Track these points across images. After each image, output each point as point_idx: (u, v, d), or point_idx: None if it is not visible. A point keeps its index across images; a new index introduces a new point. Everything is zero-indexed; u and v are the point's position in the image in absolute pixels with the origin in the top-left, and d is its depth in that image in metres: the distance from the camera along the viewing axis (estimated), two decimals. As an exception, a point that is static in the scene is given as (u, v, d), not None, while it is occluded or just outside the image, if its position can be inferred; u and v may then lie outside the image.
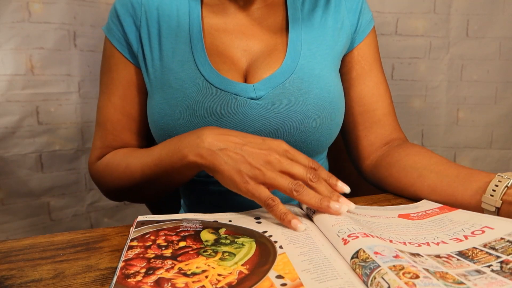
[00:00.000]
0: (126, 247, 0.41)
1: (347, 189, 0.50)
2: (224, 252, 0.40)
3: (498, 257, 0.37)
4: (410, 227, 0.45)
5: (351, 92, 0.70)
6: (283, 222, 0.45)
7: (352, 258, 0.36)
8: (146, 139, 0.69)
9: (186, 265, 0.38)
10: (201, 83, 0.60)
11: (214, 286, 0.34)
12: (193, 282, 0.35)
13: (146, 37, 0.63)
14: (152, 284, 0.35)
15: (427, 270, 0.33)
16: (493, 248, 0.38)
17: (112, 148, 0.67)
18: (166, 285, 0.34)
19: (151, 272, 0.36)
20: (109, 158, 0.66)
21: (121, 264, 0.38)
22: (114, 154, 0.66)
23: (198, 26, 0.63)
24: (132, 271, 0.37)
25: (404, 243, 0.40)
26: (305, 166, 0.49)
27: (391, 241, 0.40)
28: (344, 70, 0.70)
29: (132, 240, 0.43)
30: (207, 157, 0.50)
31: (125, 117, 0.67)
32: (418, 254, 0.37)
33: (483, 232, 0.42)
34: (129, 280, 0.35)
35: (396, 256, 0.34)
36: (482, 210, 0.47)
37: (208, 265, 0.38)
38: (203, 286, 0.34)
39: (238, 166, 0.48)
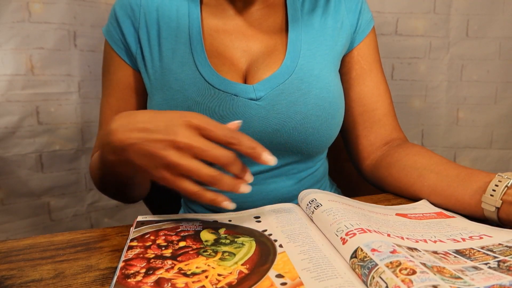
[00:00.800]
0: (126, 247, 0.41)
1: (272, 161, 0.46)
2: (224, 252, 0.40)
3: (495, 257, 0.37)
4: (407, 225, 0.45)
5: (351, 92, 0.70)
6: (216, 205, 0.44)
7: (351, 258, 0.36)
8: None
9: (186, 265, 0.38)
10: (201, 84, 0.60)
11: (214, 286, 0.34)
12: (193, 282, 0.35)
13: (145, 38, 0.63)
14: (152, 284, 0.35)
15: (424, 264, 0.33)
16: (490, 251, 0.38)
17: None
18: (166, 285, 0.35)
19: (151, 272, 0.36)
20: (92, 159, 0.67)
21: (121, 264, 0.38)
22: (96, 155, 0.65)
23: (198, 27, 0.63)
24: (132, 271, 0.37)
25: (402, 238, 0.40)
26: (222, 140, 0.45)
27: (389, 235, 0.40)
28: (344, 70, 0.70)
29: (132, 240, 0.43)
30: (121, 154, 0.46)
31: None
32: (416, 249, 0.37)
33: (481, 238, 0.42)
34: (129, 280, 0.35)
35: (393, 252, 0.34)
36: (482, 210, 0.47)
37: (208, 265, 0.38)
38: (203, 286, 0.34)
39: (151, 162, 0.44)
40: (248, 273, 0.36)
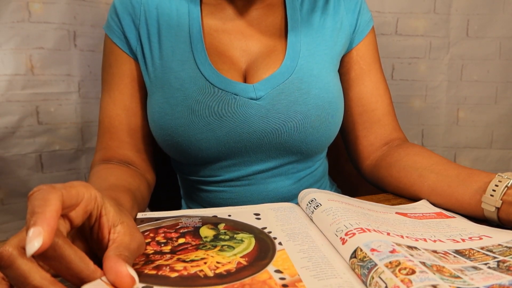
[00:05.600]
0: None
1: None
2: (223, 245, 0.40)
3: (495, 257, 0.37)
4: (407, 223, 0.45)
5: (350, 92, 0.70)
6: None
7: (350, 258, 0.36)
8: (144, 138, 0.67)
9: (184, 256, 0.38)
10: (202, 82, 0.60)
11: (212, 271, 0.34)
12: (191, 266, 0.35)
13: (145, 36, 0.63)
14: (151, 268, 0.35)
15: (423, 263, 0.33)
16: (490, 251, 0.38)
17: (109, 149, 0.65)
18: (165, 268, 0.35)
19: (150, 262, 0.37)
20: (90, 173, 0.62)
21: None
22: (92, 173, 0.62)
23: (198, 26, 0.63)
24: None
25: (402, 237, 0.40)
26: None
27: (388, 233, 0.40)
28: (343, 70, 0.70)
29: (131, 238, 0.43)
30: None
31: (124, 112, 0.65)
32: (415, 247, 0.37)
33: (481, 238, 0.42)
34: None
35: (393, 251, 0.34)
36: (482, 210, 0.47)
37: (207, 254, 0.38)
38: (202, 270, 0.35)
39: None
40: (246, 264, 0.36)
